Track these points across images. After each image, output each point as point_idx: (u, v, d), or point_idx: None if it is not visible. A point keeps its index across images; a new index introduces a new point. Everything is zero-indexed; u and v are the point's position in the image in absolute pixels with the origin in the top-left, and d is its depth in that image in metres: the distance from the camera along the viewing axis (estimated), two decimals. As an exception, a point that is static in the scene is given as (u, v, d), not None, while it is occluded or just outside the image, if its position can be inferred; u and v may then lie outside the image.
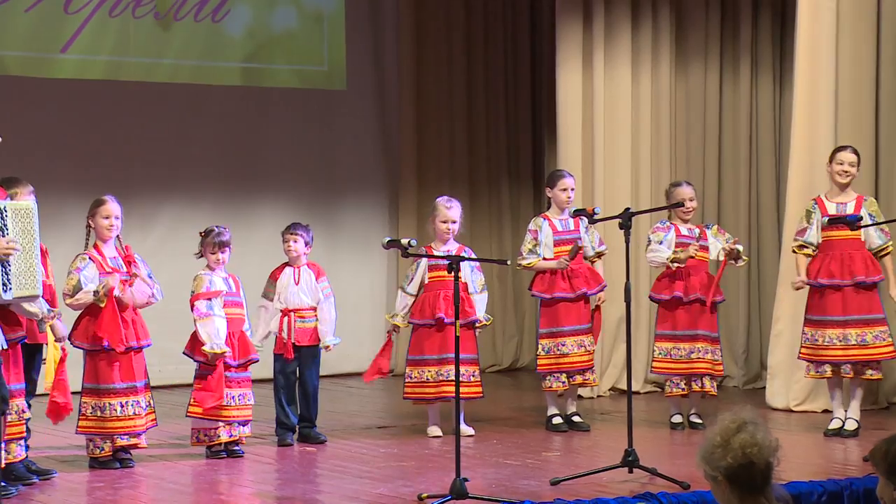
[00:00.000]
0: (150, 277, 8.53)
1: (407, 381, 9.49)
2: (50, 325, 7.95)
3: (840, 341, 9.23)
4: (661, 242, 9.63)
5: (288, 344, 9.28)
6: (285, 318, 9.31)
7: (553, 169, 10.84)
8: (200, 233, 9.01)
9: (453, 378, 8.91)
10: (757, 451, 4.14)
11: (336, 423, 10.02)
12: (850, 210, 9.25)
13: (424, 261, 9.36)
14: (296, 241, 9.37)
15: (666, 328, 9.73)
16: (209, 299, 8.78)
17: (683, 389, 9.71)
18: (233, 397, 8.81)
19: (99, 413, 8.31)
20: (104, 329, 8.23)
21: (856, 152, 9.33)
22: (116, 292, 8.26)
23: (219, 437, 8.76)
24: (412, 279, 9.53)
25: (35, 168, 10.55)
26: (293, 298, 9.33)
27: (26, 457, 7.90)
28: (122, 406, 8.32)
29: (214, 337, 8.72)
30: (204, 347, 8.70)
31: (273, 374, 9.41)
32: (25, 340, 7.64)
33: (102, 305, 8.25)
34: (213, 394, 8.66)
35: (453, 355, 8.61)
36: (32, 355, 8.03)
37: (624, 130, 11.71)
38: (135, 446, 8.47)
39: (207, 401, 8.65)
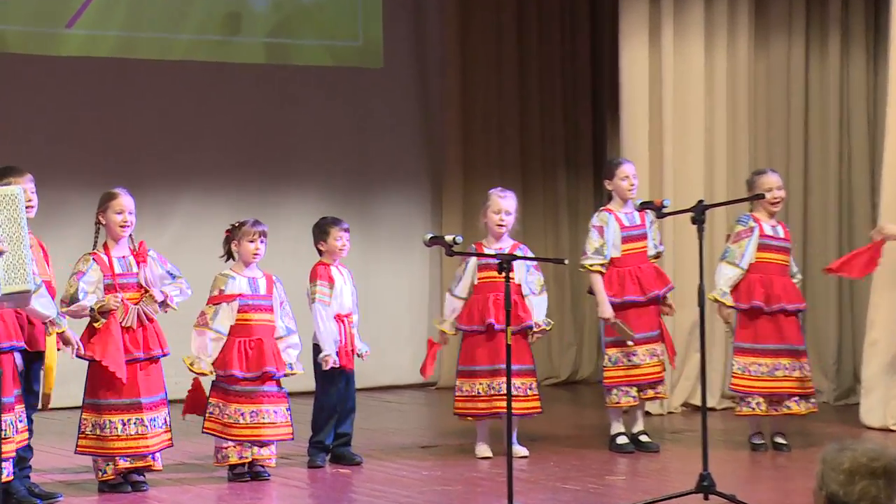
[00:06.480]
0: (171, 276, 8.34)
1: (457, 394, 9.25)
2: (60, 333, 7.67)
3: None
4: (743, 256, 9.28)
5: (348, 352, 9.04)
6: (339, 325, 9.06)
7: (613, 157, 10.68)
8: (230, 227, 8.73)
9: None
10: None
11: (373, 441, 9.86)
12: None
13: (474, 260, 9.12)
14: (349, 239, 9.20)
15: (746, 340, 9.39)
16: (220, 303, 8.52)
17: (764, 410, 9.38)
18: (242, 414, 8.46)
19: (98, 431, 8.11)
20: (102, 353, 8.02)
21: None
22: (118, 315, 8.07)
23: (228, 458, 8.48)
24: (460, 280, 9.26)
25: (36, 156, 10.45)
26: (346, 302, 9.10)
27: (24, 478, 7.84)
28: (123, 424, 8.09)
29: (201, 352, 8.50)
30: (184, 358, 8.51)
31: (318, 389, 9.18)
32: (25, 349, 7.57)
33: (98, 326, 8.07)
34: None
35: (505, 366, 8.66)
36: (32, 364, 7.83)
37: (696, 114, 11.34)
38: (146, 469, 8.24)
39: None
